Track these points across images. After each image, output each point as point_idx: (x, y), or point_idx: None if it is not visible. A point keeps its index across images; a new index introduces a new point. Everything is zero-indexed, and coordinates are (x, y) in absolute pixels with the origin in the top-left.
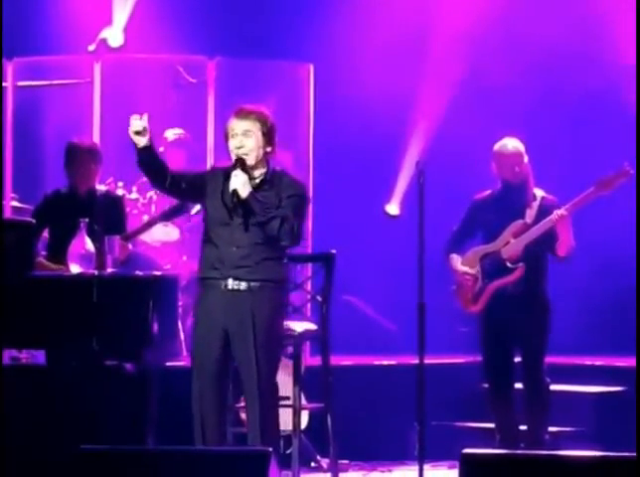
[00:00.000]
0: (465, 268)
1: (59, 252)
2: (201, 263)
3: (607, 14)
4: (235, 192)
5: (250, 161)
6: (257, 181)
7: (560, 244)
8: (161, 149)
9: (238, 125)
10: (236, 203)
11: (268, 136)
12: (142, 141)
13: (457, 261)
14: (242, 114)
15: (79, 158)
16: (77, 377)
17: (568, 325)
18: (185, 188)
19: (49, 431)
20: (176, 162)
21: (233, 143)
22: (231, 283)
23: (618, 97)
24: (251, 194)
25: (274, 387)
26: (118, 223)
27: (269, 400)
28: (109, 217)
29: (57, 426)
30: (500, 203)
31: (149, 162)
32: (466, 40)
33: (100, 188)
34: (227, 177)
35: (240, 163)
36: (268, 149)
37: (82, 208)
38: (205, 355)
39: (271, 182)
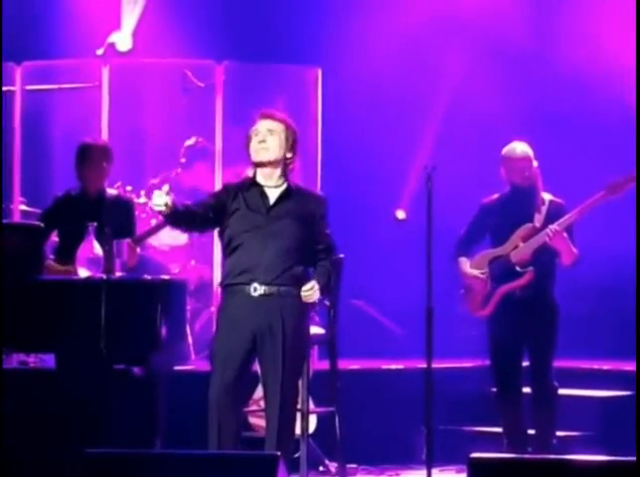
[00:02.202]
0: (474, 272)
1: (67, 255)
2: (226, 271)
3: (609, 20)
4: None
5: (268, 157)
6: (282, 190)
7: (563, 256)
8: (182, 160)
9: (262, 124)
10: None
11: (291, 142)
12: (165, 211)
13: (466, 265)
14: (267, 115)
15: (91, 157)
16: (84, 380)
17: (576, 329)
18: (213, 216)
19: (57, 435)
20: (201, 175)
21: (255, 139)
22: (260, 288)
23: (623, 100)
24: (322, 291)
25: (296, 392)
26: (128, 227)
27: (290, 405)
28: (119, 221)
29: (65, 430)
30: (508, 207)
31: (176, 222)
32: (475, 44)
33: (111, 191)
34: (244, 188)
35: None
36: (289, 155)
37: (92, 211)
38: (229, 360)
39: (298, 194)
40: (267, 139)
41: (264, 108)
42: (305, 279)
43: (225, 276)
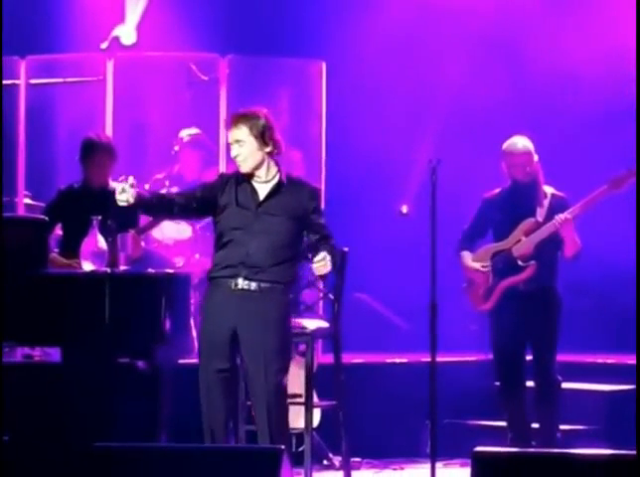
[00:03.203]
0: (476, 265)
1: (71, 249)
2: (213, 264)
3: (610, 15)
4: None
5: (248, 167)
6: (273, 185)
7: (566, 247)
8: (176, 148)
9: (230, 135)
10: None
11: (263, 137)
12: (130, 204)
13: (468, 258)
14: (231, 123)
15: (95, 154)
16: (89, 374)
17: (580, 323)
18: (197, 206)
19: (61, 429)
20: (191, 162)
21: (231, 153)
22: (241, 283)
23: (624, 94)
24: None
25: (283, 387)
26: (132, 221)
27: (277, 401)
28: (123, 214)
29: (69, 424)
30: (510, 201)
31: (148, 212)
32: (479, 39)
33: (115, 185)
34: (237, 182)
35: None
36: (267, 149)
37: (96, 204)
38: (212, 353)
39: (290, 188)
40: (239, 152)
41: (227, 117)
42: (315, 250)
43: (211, 269)
